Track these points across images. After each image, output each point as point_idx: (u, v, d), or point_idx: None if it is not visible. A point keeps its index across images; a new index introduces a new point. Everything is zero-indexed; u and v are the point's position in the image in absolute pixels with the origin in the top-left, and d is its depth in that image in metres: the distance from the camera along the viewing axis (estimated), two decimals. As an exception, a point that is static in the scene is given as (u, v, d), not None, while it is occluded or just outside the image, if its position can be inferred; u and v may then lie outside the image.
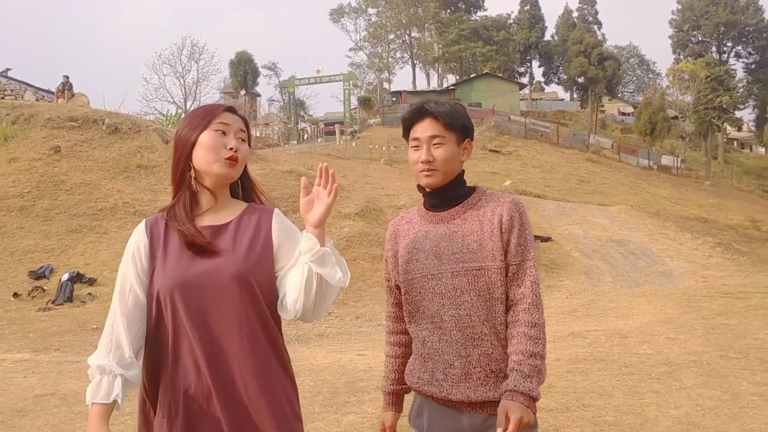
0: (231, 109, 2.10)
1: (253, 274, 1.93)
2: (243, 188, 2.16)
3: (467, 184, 2.31)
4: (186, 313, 1.88)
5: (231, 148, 2.00)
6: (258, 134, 47.81)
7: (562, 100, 69.84)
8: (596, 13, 64.66)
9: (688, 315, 10.34)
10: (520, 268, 2.12)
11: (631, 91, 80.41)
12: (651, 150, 44.61)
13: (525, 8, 66.97)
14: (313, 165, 21.95)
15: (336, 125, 44.97)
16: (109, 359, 1.90)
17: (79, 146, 18.66)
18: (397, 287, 2.33)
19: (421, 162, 2.21)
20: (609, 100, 64.65)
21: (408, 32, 69.70)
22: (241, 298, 1.90)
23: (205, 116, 2.05)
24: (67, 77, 25.56)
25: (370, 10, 70.89)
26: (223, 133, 2.02)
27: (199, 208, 2.05)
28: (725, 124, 57.88)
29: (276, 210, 2.10)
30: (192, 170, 2.03)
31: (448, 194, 2.24)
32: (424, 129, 2.23)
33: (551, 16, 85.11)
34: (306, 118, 60.46)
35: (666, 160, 44.23)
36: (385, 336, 2.46)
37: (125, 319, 1.93)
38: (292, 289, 1.95)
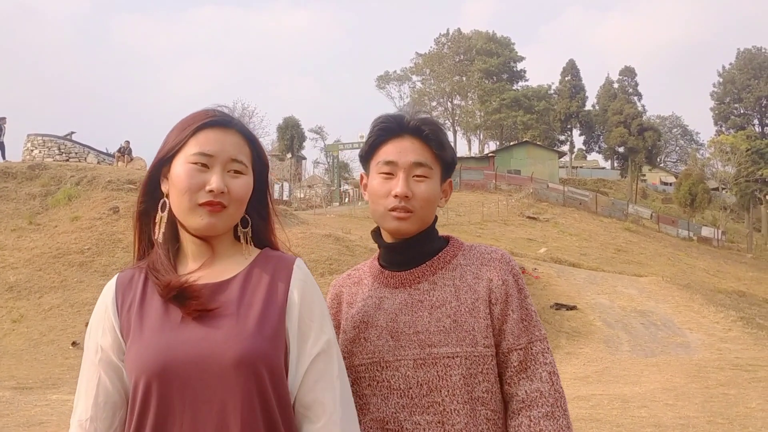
0: (220, 123, 1.45)
1: (266, 357, 1.34)
2: (254, 227, 1.52)
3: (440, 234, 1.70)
4: (169, 412, 1.32)
5: (211, 191, 1.38)
6: (302, 196, 49.53)
7: (603, 168, 70.69)
8: (636, 84, 66.10)
9: (692, 384, 10.92)
10: (529, 354, 1.54)
11: (674, 161, 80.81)
12: (691, 221, 44.79)
13: (566, 78, 68.61)
14: (351, 229, 23.12)
15: (378, 188, 46.21)
16: None
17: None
18: None
19: (395, 196, 1.57)
20: (650, 169, 65.14)
21: (450, 100, 71.80)
22: (246, 393, 1.31)
23: (181, 132, 1.45)
24: (127, 142, 27.57)
25: (414, 78, 73.44)
26: (204, 165, 1.40)
27: (186, 259, 1.47)
28: (768, 196, 57.83)
29: (298, 261, 1.48)
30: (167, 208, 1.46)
31: (417, 249, 1.62)
32: (405, 151, 1.60)
33: (593, 86, 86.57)
34: (350, 180, 62.25)
35: (706, 231, 44.36)
36: None
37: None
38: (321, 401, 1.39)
